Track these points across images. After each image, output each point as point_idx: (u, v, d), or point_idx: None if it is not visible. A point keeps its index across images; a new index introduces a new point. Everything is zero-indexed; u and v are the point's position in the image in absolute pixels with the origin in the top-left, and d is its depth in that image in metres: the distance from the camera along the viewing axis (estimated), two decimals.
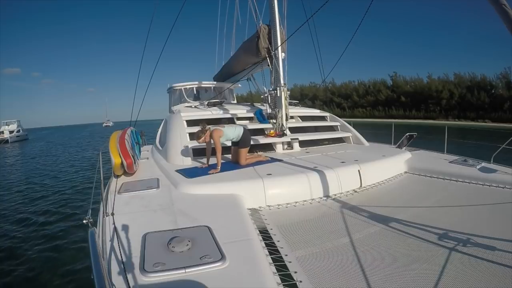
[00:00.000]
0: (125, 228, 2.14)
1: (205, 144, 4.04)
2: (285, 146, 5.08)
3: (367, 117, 41.39)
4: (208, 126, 3.95)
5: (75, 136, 45.04)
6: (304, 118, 6.09)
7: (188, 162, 4.15)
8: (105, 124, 79.67)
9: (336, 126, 6.06)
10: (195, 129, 4.58)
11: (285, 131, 5.04)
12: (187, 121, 5.00)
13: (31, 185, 10.35)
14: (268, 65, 5.48)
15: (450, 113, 34.67)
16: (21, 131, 37.63)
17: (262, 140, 4.89)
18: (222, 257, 1.72)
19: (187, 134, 4.65)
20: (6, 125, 35.86)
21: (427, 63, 72.31)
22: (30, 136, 43.56)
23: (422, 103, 36.99)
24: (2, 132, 34.10)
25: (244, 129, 4.13)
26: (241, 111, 5.79)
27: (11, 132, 34.83)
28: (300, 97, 33.02)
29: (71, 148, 25.42)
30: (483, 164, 3.97)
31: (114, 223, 2.19)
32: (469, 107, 33.26)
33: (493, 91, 33.07)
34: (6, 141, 32.57)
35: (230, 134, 3.93)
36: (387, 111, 40.15)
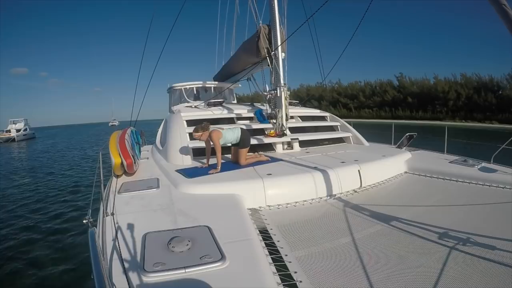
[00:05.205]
0: (125, 228, 2.15)
1: (204, 143, 4.05)
2: (285, 146, 5.08)
3: (373, 117, 40.91)
4: (210, 126, 3.94)
5: (86, 134, 45.55)
6: (304, 118, 6.08)
7: (188, 162, 4.16)
8: (111, 124, 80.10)
9: (336, 126, 6.05)
10: None
11: (285, 131, 5.03)
12: (187, 121, 5.01)
13: (30, 183, 10.44)
14: (268, 65, 5.46)
15: (457, 114, 34.19)
16: (28, 129, 37.98)
17: (262, 140, 4.88)
18: (222, 257, 1.72)
19: (187, 134, 4.65)
20: (13, 123, 36.26)
21: (433, 65, 71.64)
22: (38, 135, 43.98)
23: (428, 104, 36.50)
24: (9, 131, 34.48)
25: (242, 129, 4.13)
26: (241, 111, 5.80)
27: (18, 130, 35.18)
28: (307, 97, 32.84)
29: (84, 144, 25.79)
30: (483, 164, 3.94)
31: (114, 223, 2.20)
32: (476, 108, 32.73)
33: (500, 92, 32.58)
34: (13, 140, 32.93)
35: (229, 137, 3.94)
36: (394, 111, 39.68)
